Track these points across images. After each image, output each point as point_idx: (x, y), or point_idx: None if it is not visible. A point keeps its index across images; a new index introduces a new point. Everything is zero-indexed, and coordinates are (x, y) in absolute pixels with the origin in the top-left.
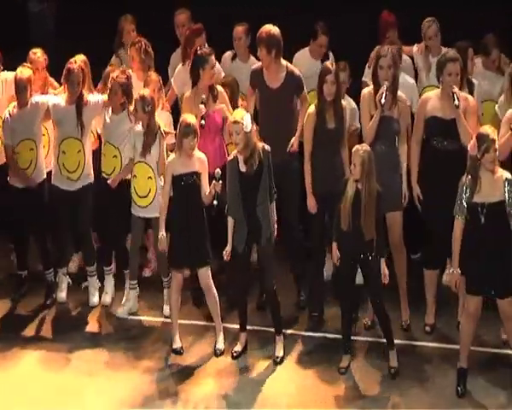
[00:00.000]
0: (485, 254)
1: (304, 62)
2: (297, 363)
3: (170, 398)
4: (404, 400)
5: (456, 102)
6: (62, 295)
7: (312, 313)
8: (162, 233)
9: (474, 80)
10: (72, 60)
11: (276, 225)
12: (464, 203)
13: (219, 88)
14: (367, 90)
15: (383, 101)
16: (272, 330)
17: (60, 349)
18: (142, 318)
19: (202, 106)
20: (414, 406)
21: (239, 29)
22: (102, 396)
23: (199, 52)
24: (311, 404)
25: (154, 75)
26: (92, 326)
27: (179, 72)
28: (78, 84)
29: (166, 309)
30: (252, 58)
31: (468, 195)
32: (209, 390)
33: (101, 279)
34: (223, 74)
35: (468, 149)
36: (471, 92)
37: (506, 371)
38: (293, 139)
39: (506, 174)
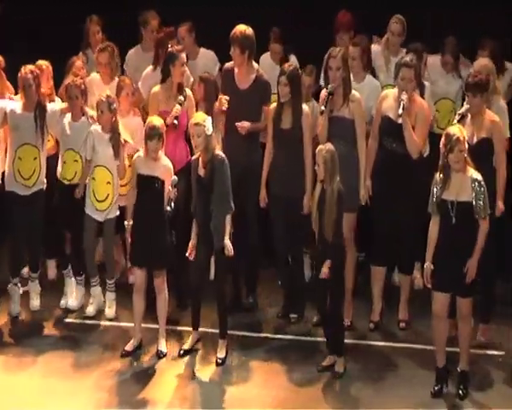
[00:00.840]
0: (453, 253)
1: (264, 65)
2: (275, 365)
3: (139, 399)
4: (355, 394)
5: (400, 110)
6: (33, 303)
7: (291, 316)
8: (129, 222)
9: (425, 83)
10: (25, 66)
11: (229, 237)
12: (435, 200)
13: (188, 91)
14: (323, 93)
15: (322, 108)
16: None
17: (28, 353)
18: (119, 323)
19: (179, 107)
20: (394, 406)
21: (181, 29)
22: (77, 397)
23: (170, 49)
24: (289, 405)
25: (127, 79)
26: (59, 330)
27: (147, 76)
28: (32, 91)
29: (110, 312)
30: (201, 51)
31: (438, 192)
32: (174, 392)
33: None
34: (191, 80)
35: (440, 146)
36: (422, 95)
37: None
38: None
39: (475, 174)
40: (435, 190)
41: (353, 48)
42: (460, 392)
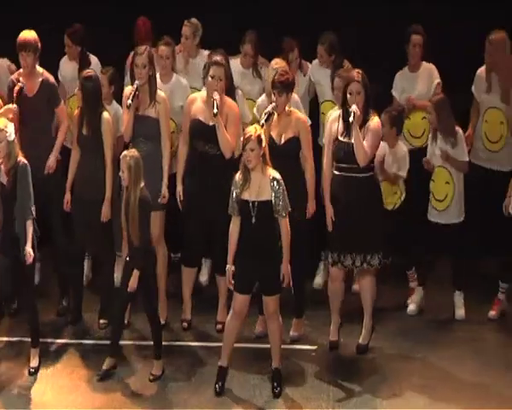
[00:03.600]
0: (254, 252)
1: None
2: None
3: None
4: (171, 397)
5: (215, 110)
6: None
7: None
8: None
9: (238, 91)
10: None
11: (31, 244)
12: (235, 201)
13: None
14: (127, 90)
15: (129, 102)
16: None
17: None
18: None
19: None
20: (173, 403)
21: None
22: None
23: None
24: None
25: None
26: None
27: None
28: None
29: None
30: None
31: (238, 192)
32: None
33: None
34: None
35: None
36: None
37: (260, 365)
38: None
39: (274, 173)
40: (235, 190)
41: (165, 47)
42: (274, 390)
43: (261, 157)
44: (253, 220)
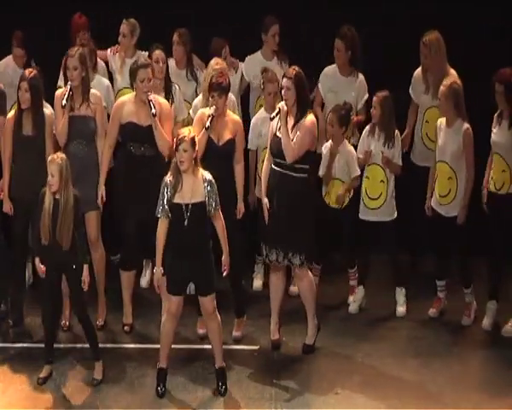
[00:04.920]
0: (187, 254)
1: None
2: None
3: None
4: (108, 403)
5: (153, 110)
6: None
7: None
8: None
9: (175, 85)
10: None
11: None
12: (166, 204)
13: None
14: (59, 92)
15: (64, 102)
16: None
17: None
18: None
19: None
20: (114, 406)
21: None
22: None
23: None
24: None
25: None
26: None
27: None
28: None
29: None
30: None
31: (169, 195)
32: None
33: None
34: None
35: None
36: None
37: (204, 366)
38: None
39: (206, 175)
40: (166, 193)
41: (159, 51)
42: (220, 388)
43: (193, 159)
44: (186, 223)
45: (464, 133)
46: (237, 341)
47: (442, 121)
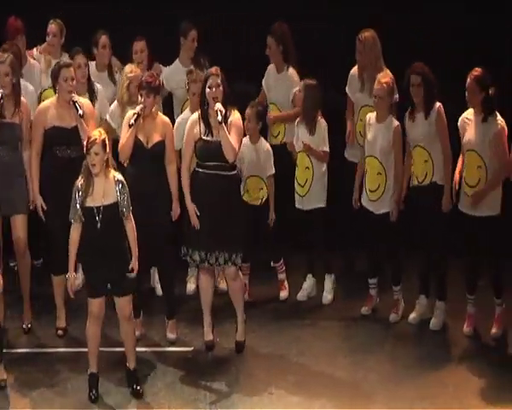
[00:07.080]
0: (102, 256)
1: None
2: None
3: None
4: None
5: (80, 111)
6: None
7: None
8: None
9: (96, 84)
10: None
11: None
12: (79, 207)
13: None
14: None
15: None
16: None
17: None
18: None
19: None
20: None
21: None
22: None
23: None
24: None
25: None
26: None
27: None
28: None
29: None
30: None
31: (81, 198)
32: None
33: None
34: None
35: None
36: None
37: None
38: None
39: (118, 175)
40: (78, 197)
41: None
42: (136, 390)
43: (104, 161)
44: (99, 226)
45: (394, 130)
46: (172, 343)
47: (371, 116)
